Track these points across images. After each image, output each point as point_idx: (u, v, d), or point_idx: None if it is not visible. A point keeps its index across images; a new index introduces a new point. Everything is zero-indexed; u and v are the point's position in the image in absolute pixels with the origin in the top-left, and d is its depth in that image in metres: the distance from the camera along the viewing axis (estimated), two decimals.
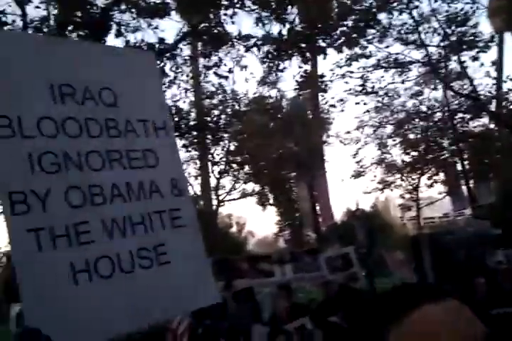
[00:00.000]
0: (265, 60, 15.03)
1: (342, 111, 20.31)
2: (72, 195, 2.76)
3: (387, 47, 16.93)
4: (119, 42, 12.82)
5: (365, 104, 19.91)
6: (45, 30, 11.96)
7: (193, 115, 18.29)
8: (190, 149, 18.49)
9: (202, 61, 15.95)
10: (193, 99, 18.25)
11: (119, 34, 12.53)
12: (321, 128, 20.98)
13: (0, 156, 2.61)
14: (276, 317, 6.15)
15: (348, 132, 22.51)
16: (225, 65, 14.57)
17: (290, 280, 8.71)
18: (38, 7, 11.81)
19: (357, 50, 16.07)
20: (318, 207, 20.71)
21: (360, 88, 18.17)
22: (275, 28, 13.88)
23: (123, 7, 12.36)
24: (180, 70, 15.23)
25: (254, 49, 13.53)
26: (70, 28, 12.00)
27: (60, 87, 2.92)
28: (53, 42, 3.37)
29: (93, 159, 2.91)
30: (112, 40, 12.89)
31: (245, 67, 17.15)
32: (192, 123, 17.21)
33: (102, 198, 2.88)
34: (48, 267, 2.58)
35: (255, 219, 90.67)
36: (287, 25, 13.38)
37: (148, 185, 3.12)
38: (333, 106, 19.62)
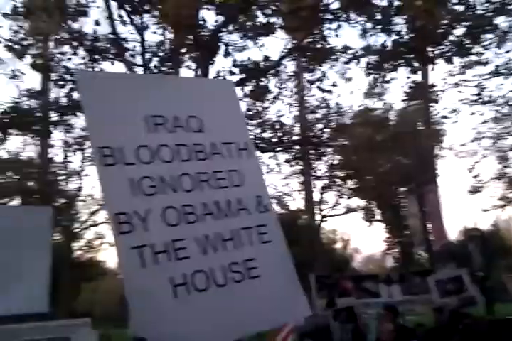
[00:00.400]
0: (370, 71, 14.67)
1: (455, 122, 18.99)
2: (168, 215, 3.03)
3: (507, 52, 15.56)
4: (226, 62, 13.47)
5: (481, 114, 18.42)
6: (160, 54, 13.02)
7: (296, 129, 18.44)
8: (293, 164, 18.59)
9: (306, 76, 16.11)
10: (296, 113, 18.43)
11: (226, 54, 13.17)
12: (433, 140, 19.80)
13: (106, 182, 2.95)
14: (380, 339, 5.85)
15: (463, 144, 20.93)
16: (328, 78, 14.52)
17: (397, 301, 8.23)
18: (154, 33, 12.92)
19: (472, 57, 14.98)
20: (429, 225, 19.46)
21: (475, 97, 16.86)
22: (381, 39, 13.55)
23: (231, 28, 13.00)
24: (284, 86, 15.52)
25: (359, 61, 13.30)
26: (182, 50, 12.92)
27: (153, 118, 3.27)
28: (145, 79, 3.87)
29: (185, 181, 3.19)
30: (220, 59, 13.58)
31: (350, 79, 16.93)
32: (295, 137, 17.33)
33: (195, 217, 3.12)
34: (151, 281, 2.81)
35: (361, 236, 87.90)
36: (393, 36, 12.98)
37: (236, 203, 3.33)
38: (445, 117, 18.46)
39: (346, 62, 13.71)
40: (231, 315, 2.96)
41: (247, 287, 3.10)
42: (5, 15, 10.77)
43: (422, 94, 16.51)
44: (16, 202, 20.21)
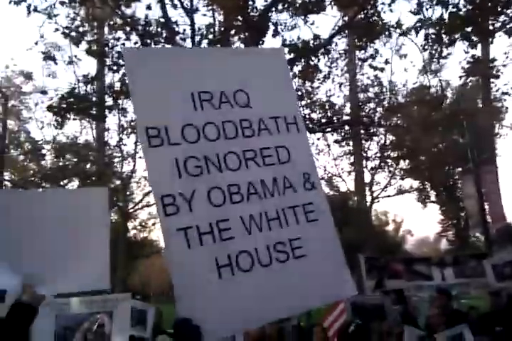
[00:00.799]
0: (426, 46, 14.02)
1: None
2: (213, 195, 3.02)
3: None
4: (276, 42, 13.33)
5: None
6: (210, 36, 13.05)
7: (346, 109, 18.06)
8: (343, 144, 18.29)
9: (357, 53, 15.65)
10: (347, 93, 18.03)
11: (275, 34, 12.99)
12: (493, 118, 18.79)
13: (152, 164, 2.95)
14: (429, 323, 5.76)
15: None
16: (381, 55, 14.03)
17: (450, 284, 8.03)
18: (204, 15, 12.94)
19: None
20: (487, 206, 18.73)
21: None
22: (437, 13, 12.89)
23: (280, 7, 12.78)
24: (334, 65, 15.17)
25: (418, 32, 12.65)
26: (232, 32, 12.88)
27: (200, 94, 3.20)
28: (191, 53, 3.67)
29: (230, 160, 3.15)
30: (269, 40, 13.44)
31: (405, 55, 16.28)
32: (345, 117, 16.99)
33: (240, 196, 3.10)
34: (196, 262, 2.84)
35: (414, 218, 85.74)
36: (450, 8, 12.29)
37: (282, 181, 3.27)
38: (506, 93, 17.40)
39: (402, 34, 13.01)
40: (275, 295, 2.96)
41: (292, 267, 3.08)
42: (62, 3, 11.12)
43: (481, 69, 15.60)
44: (74, 183, 21.32)
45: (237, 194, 3.09)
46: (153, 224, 26.64)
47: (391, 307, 6.58)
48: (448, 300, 5.94)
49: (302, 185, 3.33)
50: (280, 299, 2.98)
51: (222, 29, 12.74)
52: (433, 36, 12.90)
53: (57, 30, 11.46)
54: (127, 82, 13.46)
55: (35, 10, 10.67)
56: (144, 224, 26.85)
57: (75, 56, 12.53)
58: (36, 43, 12.33)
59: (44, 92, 14.66)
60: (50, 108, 12.81)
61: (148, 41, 12.24)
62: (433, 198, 23.51)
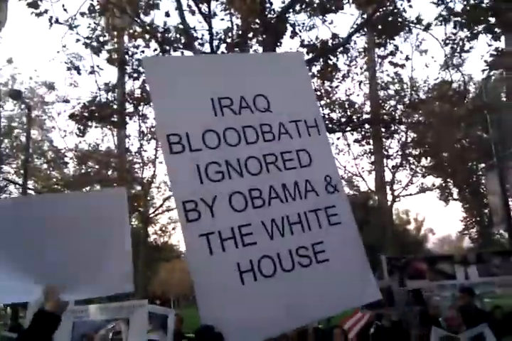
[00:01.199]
0: (448, 41, 13.83)
1: None
2: (235, 200, 2.99)
3: None
4: (294, 43, 13.27)
5: None
6: (228, 40, 13.03)
7: (366, 108, 17.90)
8: (363, 143, 18.13)
9: (376, 51, 15.49)
10: (366, 91, 17.87)
11: (294, 35, 12.93)
12: None
13: (173, 170, 2.95)
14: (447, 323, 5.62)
15: None
16: (401, 52, 13.86)
17: (474, 284, 7.86)
18: (222, 19, 12.94)
19: None
20: (511, 202, 18.34)
21: None
22: (458, 6, 12.69)
23: (298, 8, 12.71)
24: (353, 63, 15.05)
25: (445, 22, 12.44)
26: (249, 35, 12.84)
27: (220, 100, 3.18)
28: (210, 60, 3.71)
29: (251, 164, 3.13)
30: (286, 41, 13.39)
31: (425, 51, 16.06)
32: (366, 116, 16.84)
33: (262, 201, 3.07)
34: (218, 268, 2.81)
35: (436, 216, 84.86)
36: (472, 0, 12.09)
37: (303, 184, 3.23)
38: None
39: (424, 29, 12.76)
40: (299, 301, 2.91)
41: (315, 271, 3.03)
42: (82, 14, 11.24)
43: (504, 62, 15.30)
44: (96, 189, 21.46)
45: (259, 198, 3.06)
46: (173, 229, 26.78)
47: (399, 291, 6.45)
48: (471, 299, 5.81)
49: (324, 188, 3.29)
50: (304, 305, 2.94)
51: (240, 32, 12.71)
52: (452, 32, 12.72)
53: (78, 40, 11.58)
54: (147, 88, 13.61)
55: (57, 21, 10.78)
56: (164, 228, 26.97)
57: (97, 66, 12.64)
58: (58, 52, 12.49)
59: (67, 101, 14.86)
60: (72, 116, 12.97)
61: (167, 48, 12.27)
62: (455, 195, 23.14)
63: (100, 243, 2.89)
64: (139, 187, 20.83)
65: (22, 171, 20.26)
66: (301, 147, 3.32)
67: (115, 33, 12.33)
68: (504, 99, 18.17)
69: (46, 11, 10.72)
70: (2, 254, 2.65)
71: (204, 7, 11.92)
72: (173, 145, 2.94)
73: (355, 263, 3.22)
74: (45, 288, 2.56)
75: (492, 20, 12.33)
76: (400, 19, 12.60)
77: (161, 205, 22.80)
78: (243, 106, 3.25)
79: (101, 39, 12.07)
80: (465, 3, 11.98)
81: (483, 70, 15.85)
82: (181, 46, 12.32)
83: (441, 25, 12.78)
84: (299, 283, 2.97)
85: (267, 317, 2.81)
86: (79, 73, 12.22)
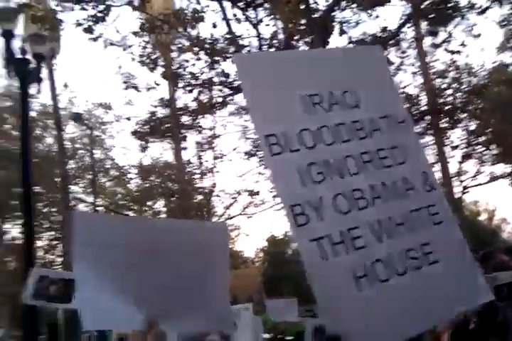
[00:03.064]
0: (504, 22, 13.09)
1: None
2: (339, 202, 2.86)
3: None
4: (342, 41, 13.04)
5: None
6: (275, 44, 13.05)
7: (424, 99, 17.24)
8: (424, 136, 17.45)
9: (429, 40, 14.93)
10: (421, 81, 17.23)
11: (342, 32, 12.71)
12: None
13: (276, 172, 2.86)
14: None
15: None
16: (455, 39, 13.25)
17: None
18: (267, 25, 12.98)
19: None
20: None
21: None
22: None
23: (343, 4, 12.50)
24: (406, 54, 14.57)
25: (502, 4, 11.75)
26: (296, 37, 12.78)
27: (309, 97, 3.06)
28: (294, 55, 3.58)
29: (349, 164, 2.99)
30: (334, 39, 13.19)
31: (478, 35, 15.26)
32: (424, 107, 16.24)
33: (365, 201, 2.92)
34: (333, 275, 2.69)
35: (507, 205, 79.85)
36: None
37: (402, 182, 3.07)
38: None
39: (480, 13, 12.09)
40: (416, 306, 2.77)
41: (427, 274, 2.89)
42: (134, 33, 11.67)
43: None
44: (160, 203, 22.11)
45: (362, 199, 2.93)
46: (237, 235, 27.04)
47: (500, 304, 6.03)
48: None
49: (422, 186, 3.12)
50: (422, 309, 2.78)
51: (287, 35, 12.69)
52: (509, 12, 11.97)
53: (133, 59, 12.03)
54: (201, 100, 13.91)
55: (112, 44, 11.28)
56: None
57: (155, 82, 13.05)
58: (116, 73, 13.05)
59: (128, 119, 15.54)
60: (134, 133, 13.45)
61: (217, 58, 12.48)
62: None
63: (203, 277, 2.83)
64: (200, 197, 21.22)
65: (89, 190, 21.32)
66: (393, 144, 3.17)
67: (165, 49, 12.69)
68: None
69: (101, 35, 11.25)
70: (107, 272, 2.62)
71: (250, 14, 12.03)
72: (272, 146, 2.82)
73: (464, 262, 3.06)
74: (146, 318, 2.55)
75: None
76: (451, 5, 12.04)
77: (223, 214, 23.13)
78: (333, 102, 3.13)
79: (153, 56, 12.46)
80: None
81: None
82: (230, 55, 12.48)
83: (496, 6, 12.11)
84: (413, 286, 2.85)
85: (389, 324, 2.70)
86: (138, 91, 12.67)
